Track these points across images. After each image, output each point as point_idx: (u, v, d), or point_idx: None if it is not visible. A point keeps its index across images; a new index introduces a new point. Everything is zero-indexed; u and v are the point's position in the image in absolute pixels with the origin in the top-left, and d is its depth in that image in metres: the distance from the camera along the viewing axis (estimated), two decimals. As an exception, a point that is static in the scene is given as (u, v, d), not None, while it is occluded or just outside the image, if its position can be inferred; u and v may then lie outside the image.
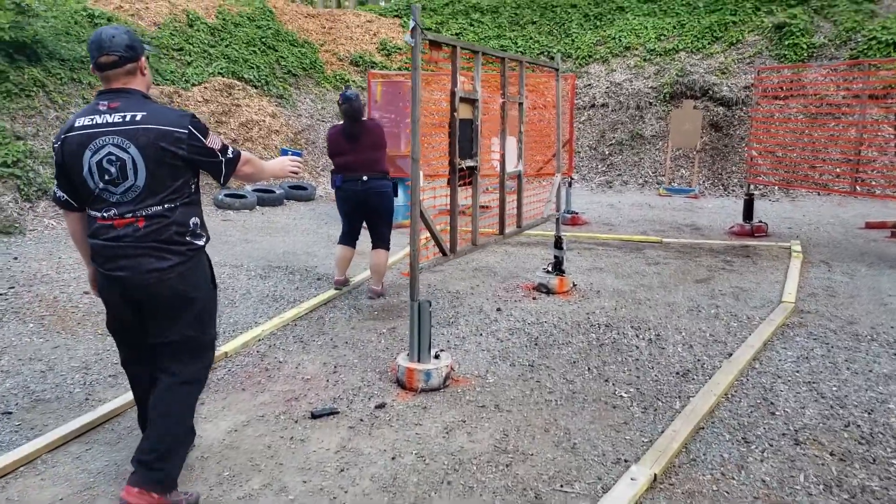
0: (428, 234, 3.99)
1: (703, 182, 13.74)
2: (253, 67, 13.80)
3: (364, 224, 5.79)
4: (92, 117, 2.53)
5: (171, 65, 12.25)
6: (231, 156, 2.75)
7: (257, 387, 3.93)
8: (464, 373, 4.11)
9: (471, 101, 4.28)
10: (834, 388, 3.94)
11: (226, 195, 10.32)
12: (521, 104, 5.13)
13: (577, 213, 9.90)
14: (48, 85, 9.74)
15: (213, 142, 2.68)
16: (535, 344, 4.62)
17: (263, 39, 14.80)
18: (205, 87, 12.24)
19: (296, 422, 3.47)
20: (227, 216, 9.83)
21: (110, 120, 2.51)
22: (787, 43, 15.64)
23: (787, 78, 12.02)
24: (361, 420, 3.49)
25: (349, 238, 5.85)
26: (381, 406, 3.64)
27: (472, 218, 4.48)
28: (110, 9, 12.23)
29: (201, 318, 2.76)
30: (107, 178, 2.51)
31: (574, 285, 6.27)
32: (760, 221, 9.11)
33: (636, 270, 7.01)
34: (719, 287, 6.36)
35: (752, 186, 9.36)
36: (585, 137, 15.58)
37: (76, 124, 2.55)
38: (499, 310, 5.42)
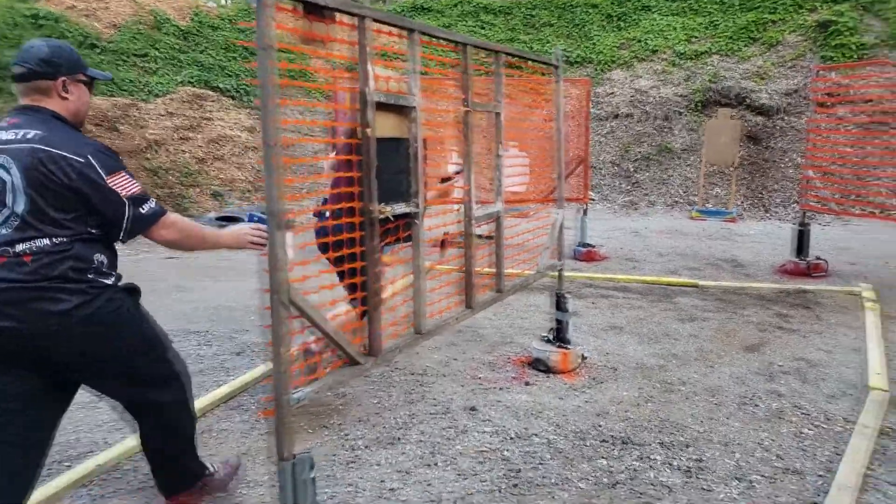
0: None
1: (742, 202, 12.02)
2: (230, 76, 12.35)
3: None
4: None
5: (130, 73, 10.82)
6: (146, 211, 2.35)
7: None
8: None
9: (401, 110, 2.71)
10: None
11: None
12: (498, 114, 3.55)
13: (592, 247, 8.26)
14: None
15: (122, 184, 2.30)
16: (514, 485, 3.01)
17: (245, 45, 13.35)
18: (170, 99, 10.82)
19: None
20: (175, 252, 8.29)
21: (3, 137, 2.27)
22: (833, 43, 13.91)
23: (849, 79, 10.24)
24: None
25: None
26: None
27: (413, 295, 2.88)
28: (61, 9, 10.82)
29: (144, 352, 2.46)
30: None
31: (583, 358, 4.66)
32: (818, 258, 7.40)
33: (665, 331, 5.37)
34: (778, 359, 4.72)
35: (807, 214, 7.63)
36: (607, 152, 13.93)
37: None
38: (472, 409, 3.83)
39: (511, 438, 3.45)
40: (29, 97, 2.37)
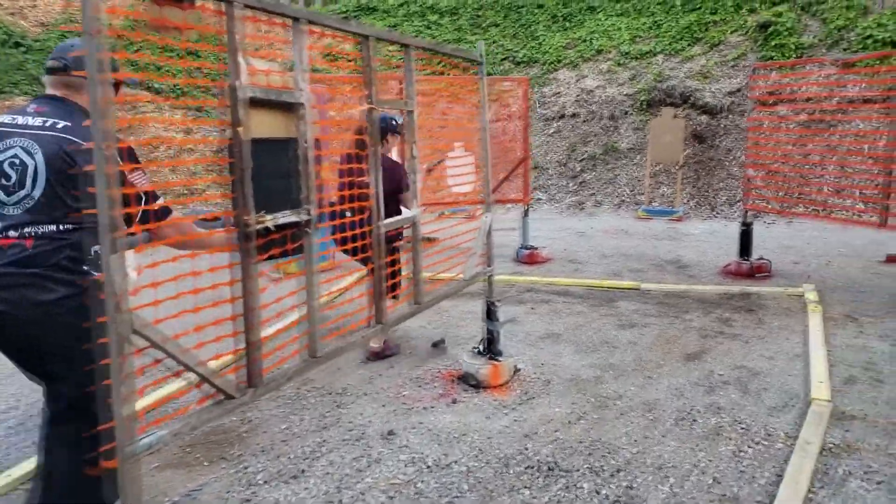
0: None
1: (688, 201, 11.96)
2: (167, 75, 11.79)
3: None
4: (15, 117, 2.37)
5: (52, 73, 10.21)
6: (156, 208, 2.38)
7: None
8: None
9: (287, 107, 2.39)
10: None
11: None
12: (410, 112, 3.24)
13: (535, 249, 8.02)
14: None
15: (139, 180, 2.33)
16: (425, 524, 2.71)
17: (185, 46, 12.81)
18: (98, 100, 10.21)
19: None
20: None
21: (30, 122, 2.35)
22: (773, 43, 13.99)
23: (788, 77, 10.22)
24: None
25: None
26: None
27: (307, 314, 2.55)
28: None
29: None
30: (3, 181, 2.27)
31: (517, 370, 4.39)
32: (762, 258, 7.30)
33: (604, 339, 5.14)
34: (718, 368, 4.52)
35: (749, 213, 7.52)
36: (554, 152, 13.76)
37: None
38: (391, 433, 3.51)
39: (428, 468, 3.14)
40: (58, 89, 2.45)
